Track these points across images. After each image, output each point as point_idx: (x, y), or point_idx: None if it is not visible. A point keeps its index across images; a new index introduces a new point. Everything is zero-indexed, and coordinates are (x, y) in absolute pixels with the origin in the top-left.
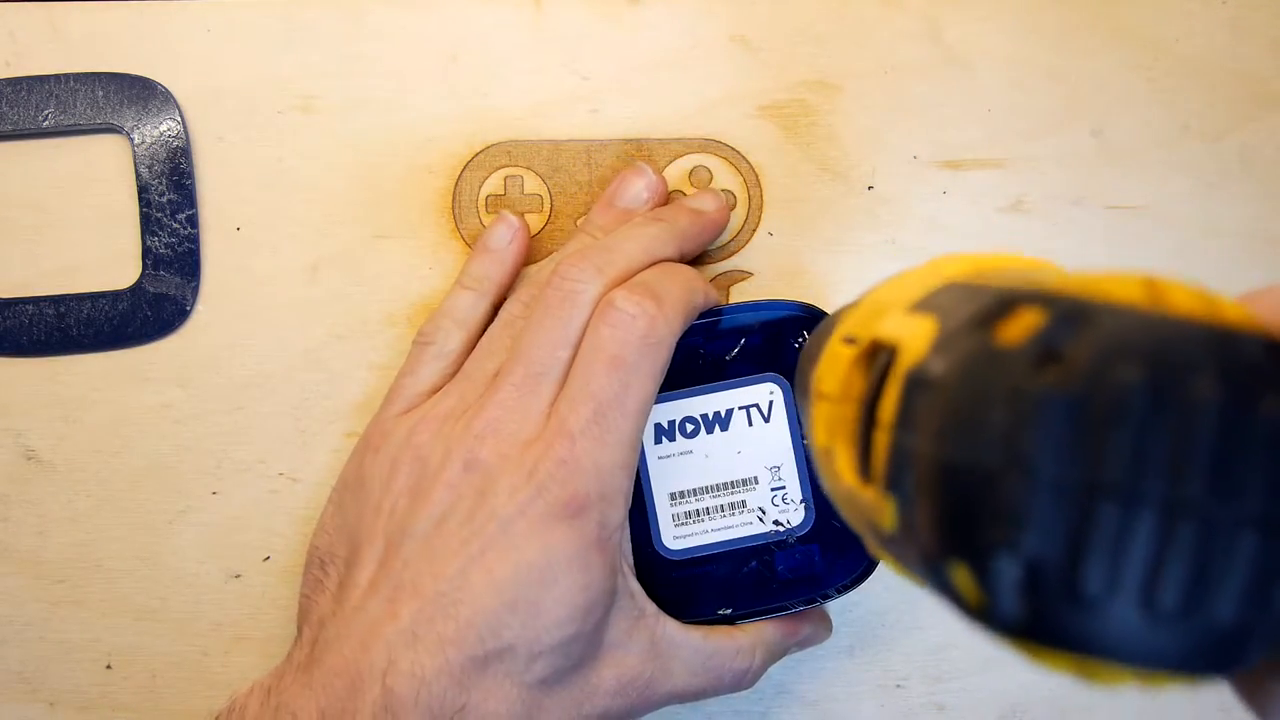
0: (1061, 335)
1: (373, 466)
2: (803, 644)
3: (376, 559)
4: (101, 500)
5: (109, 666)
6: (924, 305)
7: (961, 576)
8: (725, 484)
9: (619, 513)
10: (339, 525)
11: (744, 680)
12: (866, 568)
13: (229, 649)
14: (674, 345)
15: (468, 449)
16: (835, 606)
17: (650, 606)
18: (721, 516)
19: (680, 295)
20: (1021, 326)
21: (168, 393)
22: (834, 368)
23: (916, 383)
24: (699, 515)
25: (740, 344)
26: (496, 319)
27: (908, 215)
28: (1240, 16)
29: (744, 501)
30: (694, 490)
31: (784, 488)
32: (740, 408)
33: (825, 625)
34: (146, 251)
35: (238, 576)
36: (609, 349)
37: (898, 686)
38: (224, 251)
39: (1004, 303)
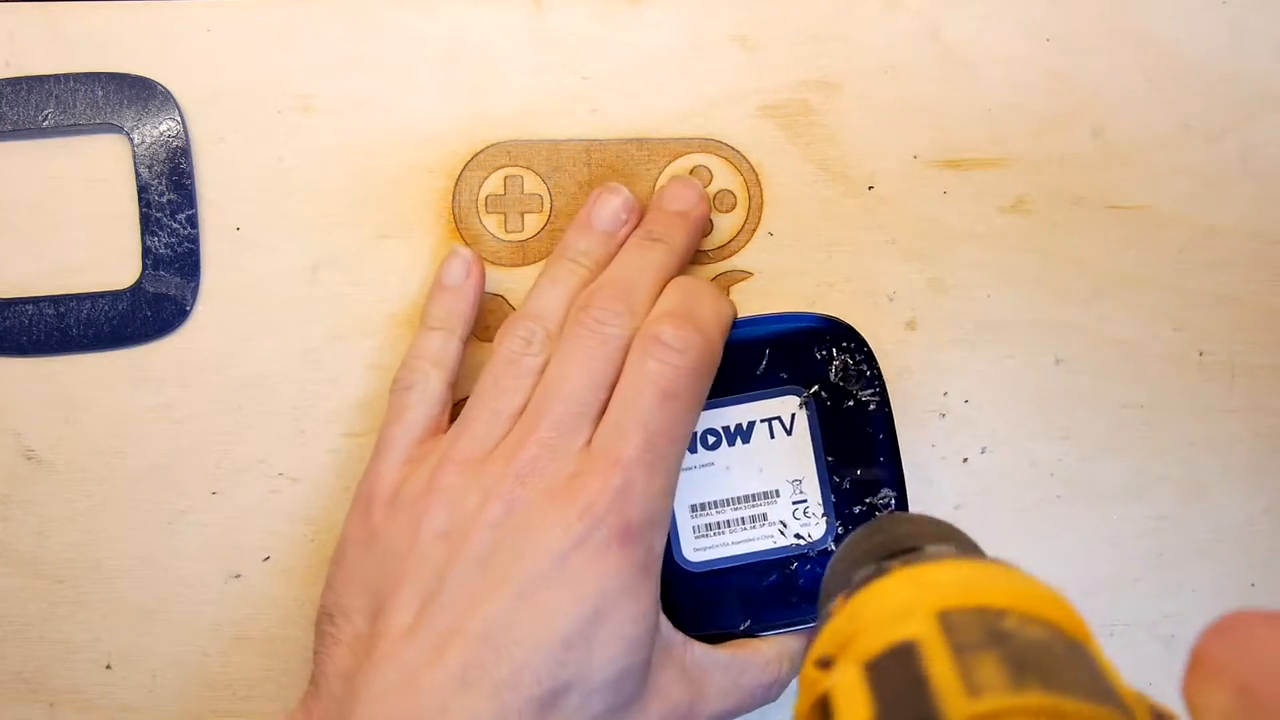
0: None
1: (388, 519)
2: None
3: (411, 607)
4: (101, 500)
5: (109, 666)
6: (876, 671)
7: None
8: (746, 497)
9: (664, 539)
10: (350, 580)
11: (772, 693)
12: None
13: (229, 649)
14: (716, 368)
15: (508, 489)
16: None
17: (677, 636)
18: (742, 529)
19: (715, 319)
20: None
21: (168, 393)
22: (802, 689)
23: None
24: (720, 528)
25: (765, 356)
26: (496, 357)
27: (908, 215)
28: (1240, 16)
29: (765, 515)
30: (715, 503)
31: (805, 501)
32: (762, 420)
33: None
34: (146, 251)
35: (238, 576)
36: (659, 382)
37: None
38: (224, 251)
39: None
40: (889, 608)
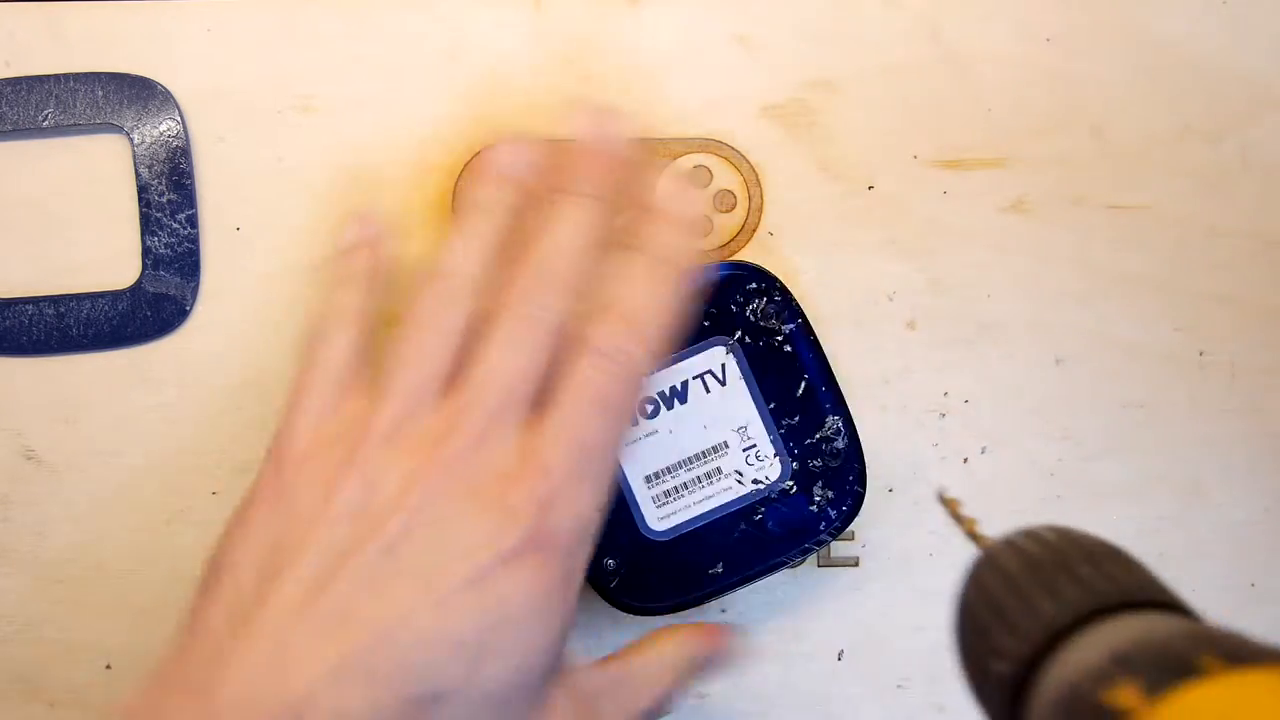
0: None
1: (299, 481)
2: (716, 662)
3: (303, 581)
4: (101, 500)
5: (109, 666)
6: None
7: None
8: (697, 455)
9: (587, 555)
10: (247, 536)
11: (665, 708)
12: (854, 504)
13: None
14: (652, 368)
15: (432, 479)
16: (834, 606)
17: (577, 659)
18: (700, 488)
19: (657, 317)
20: None
21: (168, 393)
22: None
23: None
24: (678, 492)
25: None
26: (415, 318)
27: (908, 215)
28: (1240, 16)
29: (719, 469)
30: (668, 469)
31: (755, 445)
32: (694, 377)
33: (728, 638)
34: (146, 251)
35: None
36: (593, 391)
37: (898, 687)
38: (224, 251)
39: None
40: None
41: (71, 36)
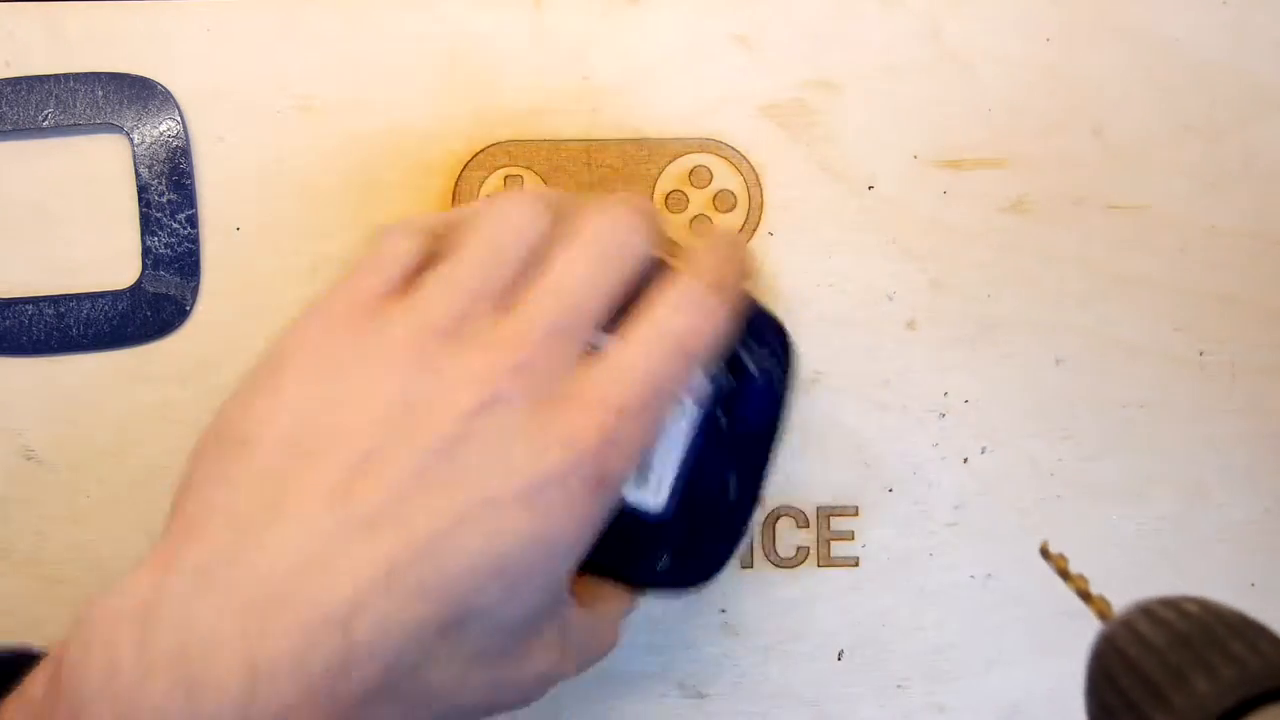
0: None
1: (353, 349)
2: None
3: (344, 466)
4: (101, 500)
5: None
6: None
7: None
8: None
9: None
10: (277, 406)
11: (614, 646)
12: (705, 577)
13: None
14: None
15: (496, 381)
16: (834, 606)
17: (567, 594)
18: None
19: (735, 283)
20: None
21: (168, 393)
22: None
23: None
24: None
25: None
26: (482, 215)
27: (908, 215)
28: (1240, 16)
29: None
30: None
31: (651, 470)
32: None
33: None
34: (146, 251)
35: None
36: (684, 340)
37: (898, 687)
38: (224, 251)
39: None
40: None
41: (71, 36)
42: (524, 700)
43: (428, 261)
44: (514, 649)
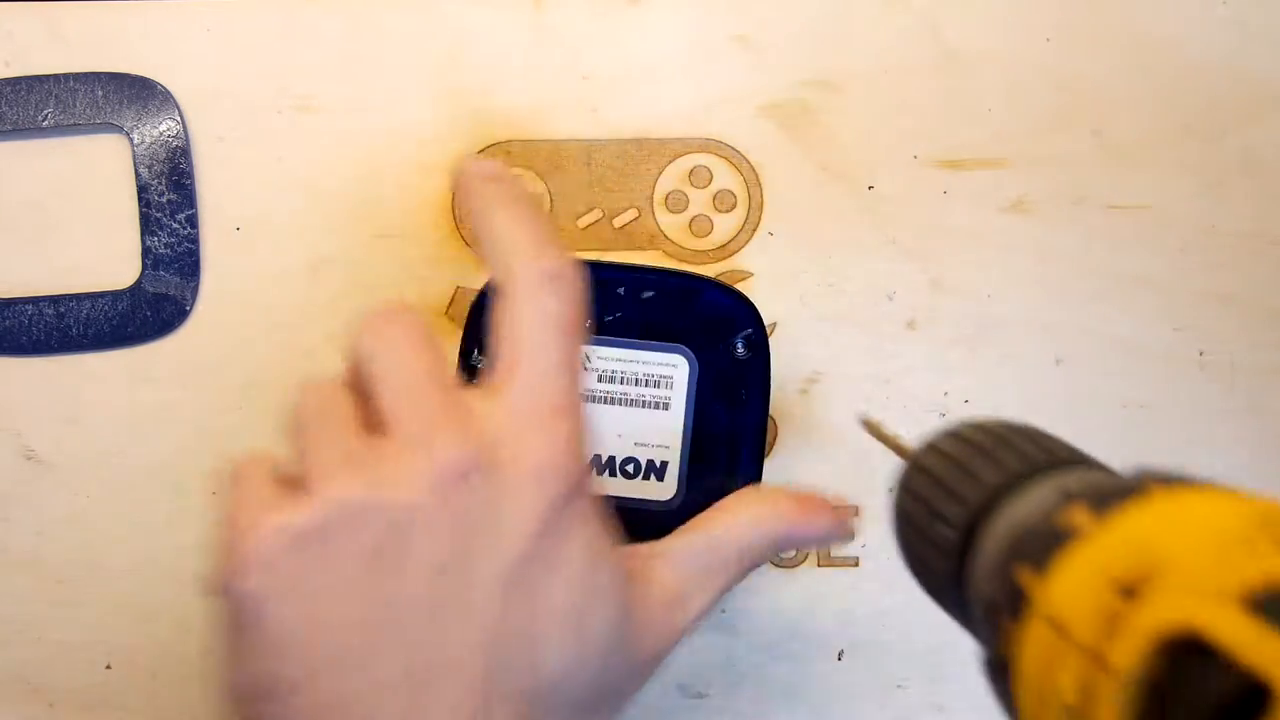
0: None
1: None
2: (821, 541)
3: (357, 660)
4: (101, 500)
5: (109, 666)
6: (1273, 613)
7: None
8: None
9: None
10: (278, 643)
11: (745, 573)
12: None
13: None
14: None
15: (437, 490)
16: (834, 606)
17: (642, 550)
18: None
19: (551, 236)
20: None
21: (168, 393)
22: (1101, 619)
23: None
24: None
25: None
26: (297, 409)
27: (908, 215)
28: (1240, 16)
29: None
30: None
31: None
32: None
33: (842, 528)
34: (146, 251)
35: None
36: (564, 321)
37: (898, 687)
38: (224, 251)
39: None
40: (1215, 535)
41: (71, 36)
42: (656, 668)
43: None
44: (619, 646)
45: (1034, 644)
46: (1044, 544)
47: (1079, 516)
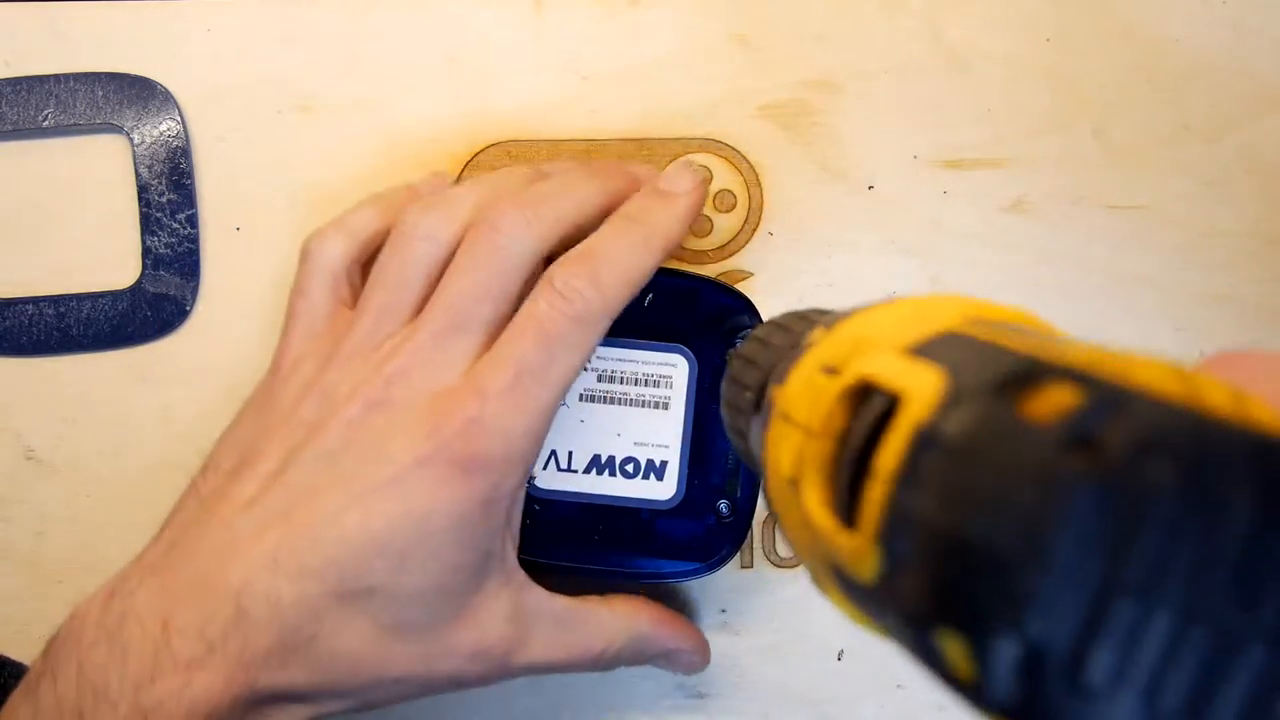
0: (1096, 421)
1: (281, 393)
2: (676, 658)
3: (259, 480)
4: (101, 500)
5: None
6: (925, 352)
7: (953, 647)
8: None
9: (516, 480)
10: (232, 436)
11: (601, 662)
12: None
13: None
14: (610, 322)
15: (375, 390)
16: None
17: (520, 575)
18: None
19: (623, 274)
20: (1051, 403)
21: (168, 393)
22: (811, 398)
23: (927, 442)
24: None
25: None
26: (397, 233)
27: (908, 215)
28: (1240, 16)
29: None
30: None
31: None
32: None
33: (704, 652)
34: (146, 251)
35: None
36: (539, 323)
37: (898, 687)
38: (224, 251)
39: (1029, 373)
40: (903, 312)
41: (71, 36)
42: (463, 676)
43: (365, 254)
44: (436, 622)
45: (772, 440)
46: (789, 363)
47: (815, 335)
